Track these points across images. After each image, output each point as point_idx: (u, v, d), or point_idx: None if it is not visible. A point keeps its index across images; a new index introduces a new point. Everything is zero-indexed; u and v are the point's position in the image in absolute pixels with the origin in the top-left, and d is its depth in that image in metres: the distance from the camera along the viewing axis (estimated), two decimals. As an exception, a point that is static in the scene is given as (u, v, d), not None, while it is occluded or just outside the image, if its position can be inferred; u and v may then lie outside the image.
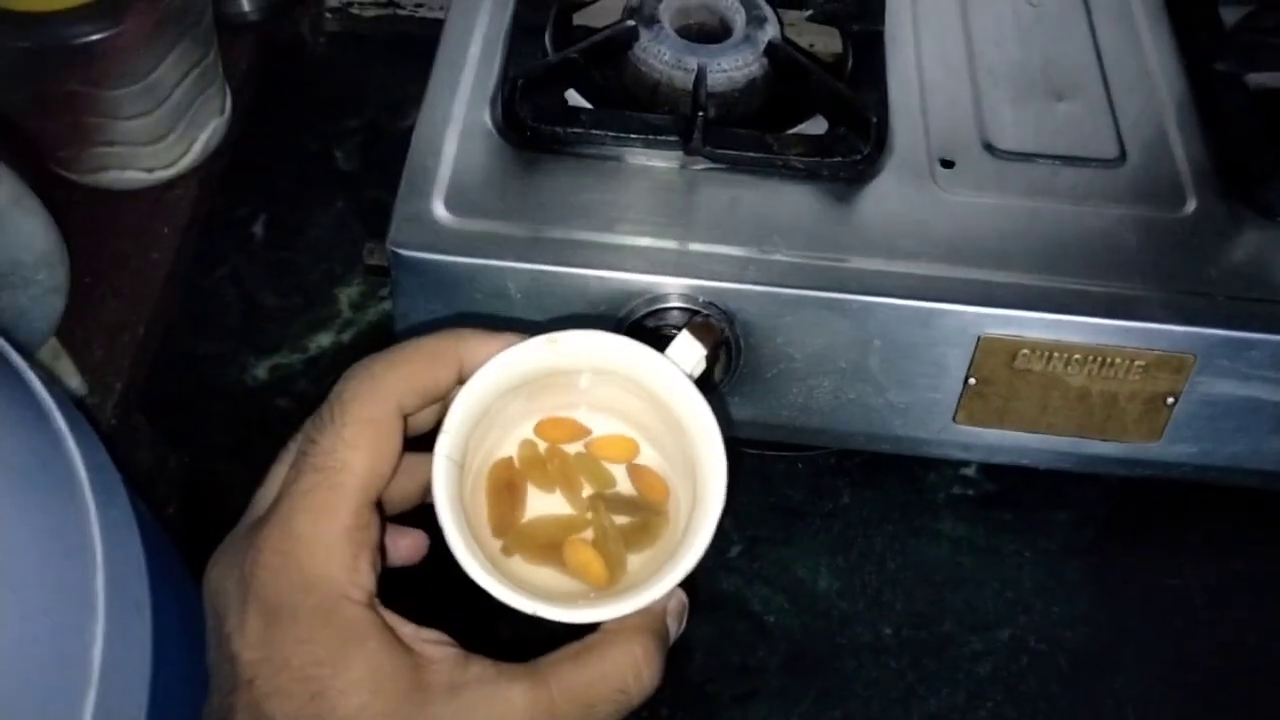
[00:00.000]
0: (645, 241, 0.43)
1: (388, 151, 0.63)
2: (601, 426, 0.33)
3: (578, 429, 0.33)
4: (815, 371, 0.44)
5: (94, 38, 0.44)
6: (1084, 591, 0.48)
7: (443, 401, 0.30)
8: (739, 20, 0.48)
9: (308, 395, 0.54)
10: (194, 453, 0.51)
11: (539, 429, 0.33)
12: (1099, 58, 0.50)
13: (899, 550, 0.49)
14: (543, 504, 0.32)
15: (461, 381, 0.30)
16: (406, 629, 0.28)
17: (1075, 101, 0.49)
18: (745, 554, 0.48)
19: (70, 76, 0.46)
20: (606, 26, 0.48)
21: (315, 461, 0.28)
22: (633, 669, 0.28)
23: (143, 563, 0.29)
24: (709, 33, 0.49)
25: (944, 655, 0.46)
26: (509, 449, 0.32)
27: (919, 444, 0.46)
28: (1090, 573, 0.48)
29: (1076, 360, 0.42)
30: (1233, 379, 0.42)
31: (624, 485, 0.32)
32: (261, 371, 0.54)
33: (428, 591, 0.30)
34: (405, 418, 0.29)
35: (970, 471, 0.51)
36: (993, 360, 0.42)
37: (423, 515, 0.31)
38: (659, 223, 0.43)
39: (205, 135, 0.53)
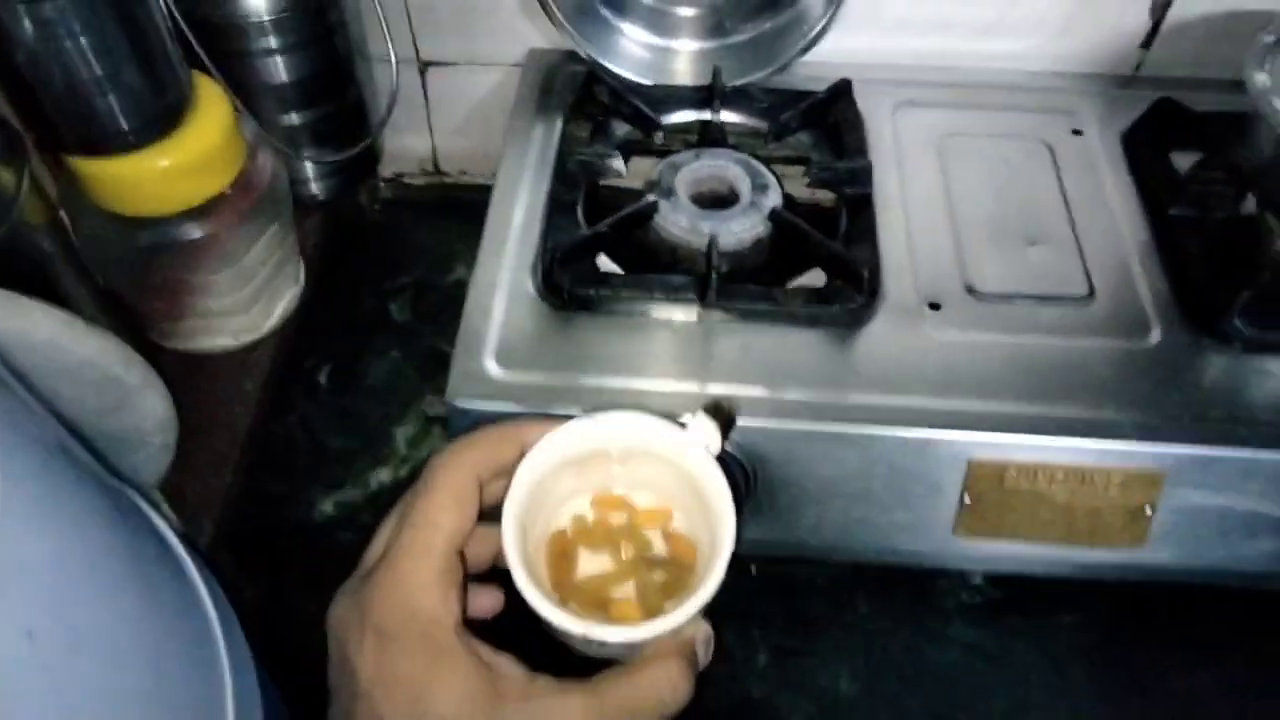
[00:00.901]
0: (669, 385, 0.49)
1: (436, 302, 0.70)
2: (642, 500, 0.40)
3: (623, 503, 0.40)
4: (825, 496, 0.49)
5: (196, 236, 0.52)
6: (1090, 691, 0.51)
7: (508, 475, 0.38)
8: (745, 188, 0.55)
9: (369, 527, 0.59)
10: (269, 584, 0.57)
11: (594, 502, 0.40)
12: (1067, 206, 0.57)
13: (914, 655, 0.53)
14: (593, 564, 0.39)
15: (523, 457, 0.38)
16: (485, 650, 0.35)
17: (1047, 246, 0.55)
18: (771, 664, 0.53)
19: (174, 266, 0.53)
20: (633, 192, 0.55)
21: (414, 519, 0.36)
22: (669, 684, 0.35)
23: (258, 691, 0.34)
24: (719, 199, 0.56)
25: (961, 755, 0.50)
26: (564, 522, 0.40)
27: (924, 556, 0.51)
28: (1095, 672, 0.52)
29: (1059, 479, 0.47)
30: (1203, 490, 0.47)
31: (659, 546, 0.40)
32: (328, 507, 0.60)
33: (499, 635, 0.38)
34: (481, 486, 0.37)
35: (978, 580, 0.55)
36: (983, 480, 0.47)
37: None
38: (681, 368, 0.49)
39: (283, 303, 0.60)
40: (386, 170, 0.76)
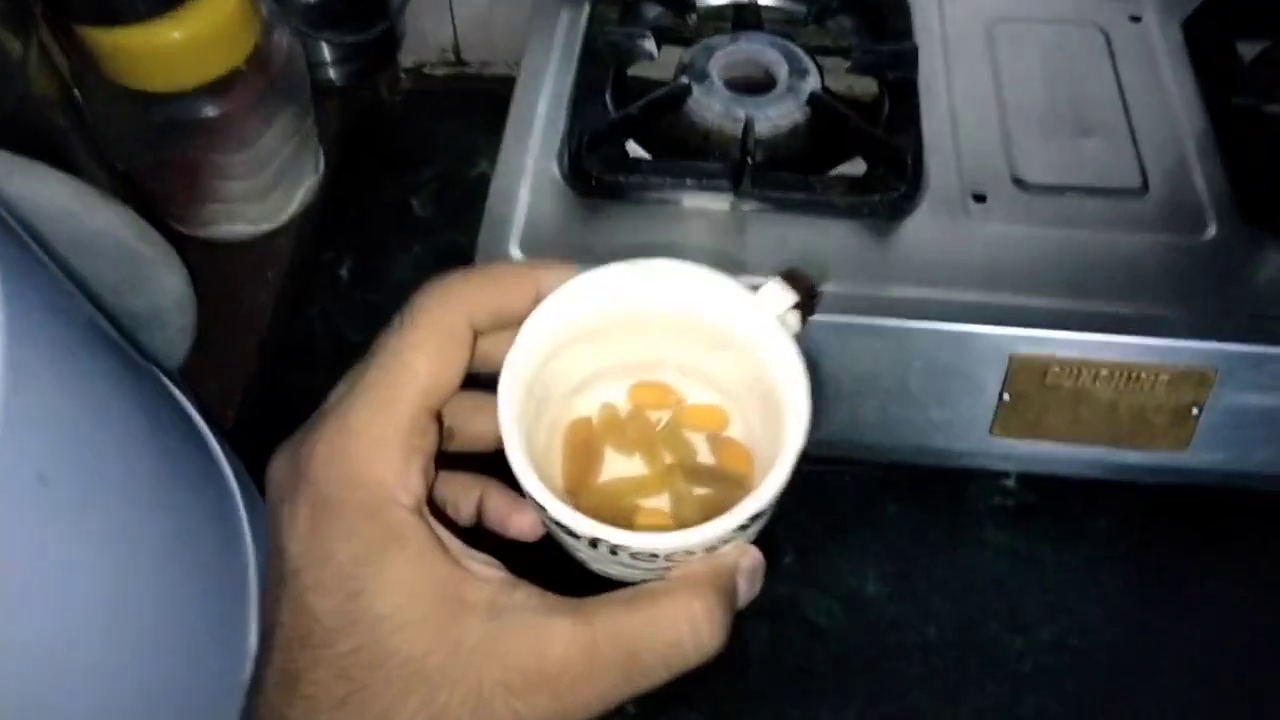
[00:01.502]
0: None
1: (460, 198, 0.68)
2: (692, 392, 0.31)
3: (669, 395, 0.32)
4: (862, 391, 0.47)
5: (211, 113, 0.50)
6: (1122, 595, 0.51)
7: (516, 327, 0.29)
8: (782, 72, 0.53)
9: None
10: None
11: (631, 392, 0.32)
12: (1122, 94, 0.54)
13: (943, 558, 0.52)
14: (620, 469, 0.31)
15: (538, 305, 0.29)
16: (453, 542, 0.27)
17: (1100, 136, 0.52)
18: (797, 563, 0.52)
19: (190, 146, 0.51)
20: (662, 84, 0.53)
21: (379, 359, 0.28)
22: (689, 622, 0.26)
23: None
24: (755, 84, 0.53)
25: (987, 655, 0.49)
26: (589, 408, 0.31)
27: (959, 456, 0.50)
28: (1128, 577, 0.51)
29: (1104, 376, 0.45)
30: (1254, 391, 0.45)
31: (705, 458, 0.31)
32: (351, 402, 0.60)
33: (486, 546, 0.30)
34: (475, 334, 0.29)
35: (1010, 483, 0.54)
36: (1025, 377, 0.46)
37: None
38: (713, 260, 0.47)
39: (302, 191, 0.59)
40: (407, 60, 0.73)
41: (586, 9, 0.58)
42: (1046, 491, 0.53)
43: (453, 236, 0.66)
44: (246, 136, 0.52)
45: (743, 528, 0.27)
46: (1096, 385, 0.46)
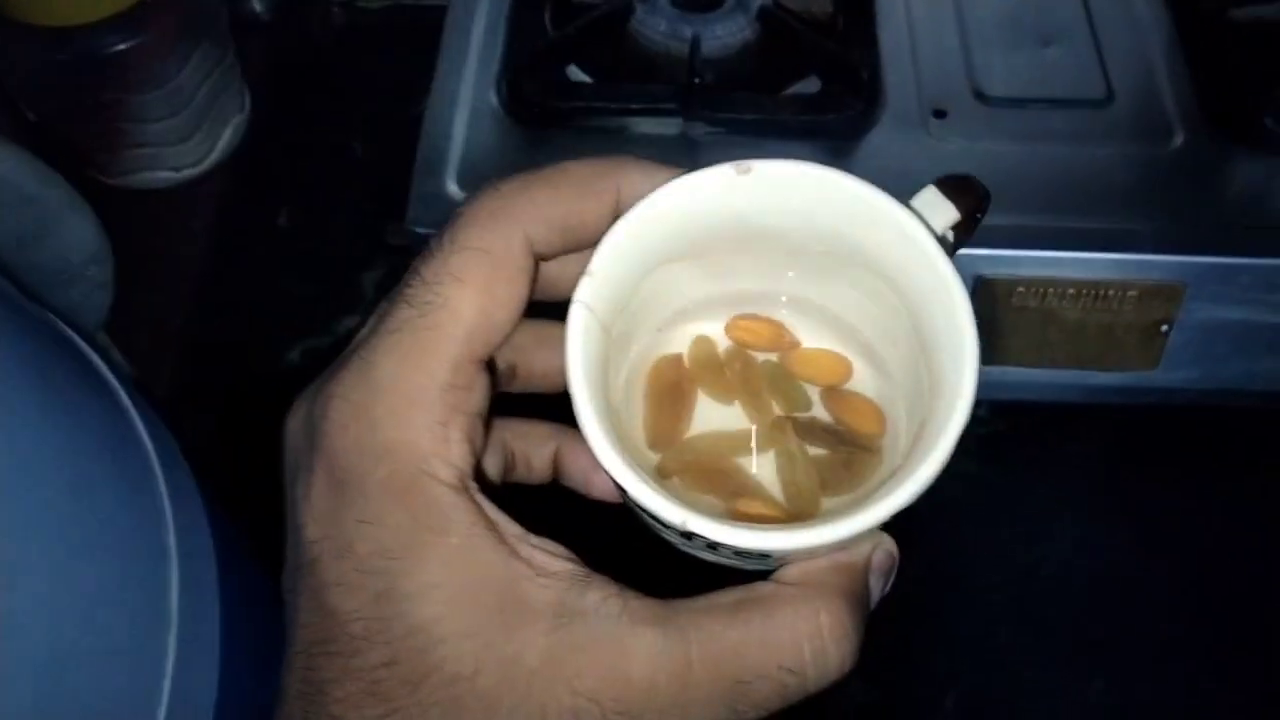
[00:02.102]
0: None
1: (401, 138, 0.65)
2: (809, 336, 0.26)
3: (780, 336, 0.26)
4: (821, 321, 0.45)
5: (120, 47, 0.47)
6: (1096, 520, 0.50)
7: (589, 247, 0.23)
8: (731, -13, 0.50)
9: (340, 376, 0.56)
10: (235, 436, 0.54)
11: (732, 326, 0.26)
12: (1085, 1, 0.52)
13: (913, 490, 0.51)
14: (716, 417, 0.25)
15: (617, 220, 0.23)
16: (513, 529, 0.21)
17: (1063, 45, 0.50)
18: (765, 501, 0.51)
19: (101, 85, 0.48)
20: (603, 2, 0.50)
21: (411, 294, 0.22)
22: (811, 639, 0.21)
23: (212, 551, 0.31)
24: (703, 1, 0.50)
25: (962, 587, 0.48)
26: (680, 344, 0.26)
27: (925, 385, 0.48)
28: (1102, 501, 0.50)
29: (1071, 295, 0.44)
30: (1224, 304, 0.44)
31: (821, 413, 0.25)
32: (295, 355, 0.57)
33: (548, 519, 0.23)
34: (538, 259, 0.23)
35: (981, 411, 0.53)
36: (991, 300, 0.44)
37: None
38: (663, 187, 0.45)
39: (227, 133, 0.56)
40: (339, -7, 0.69)
41: (522, -72, 0.55)
42: (1017, 419, 0.52)
43: (395, 178, 0.63)
44: (161, 73, 0.49)
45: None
46: (1064, 305, 0.44)
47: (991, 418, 0.53)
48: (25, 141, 0.51)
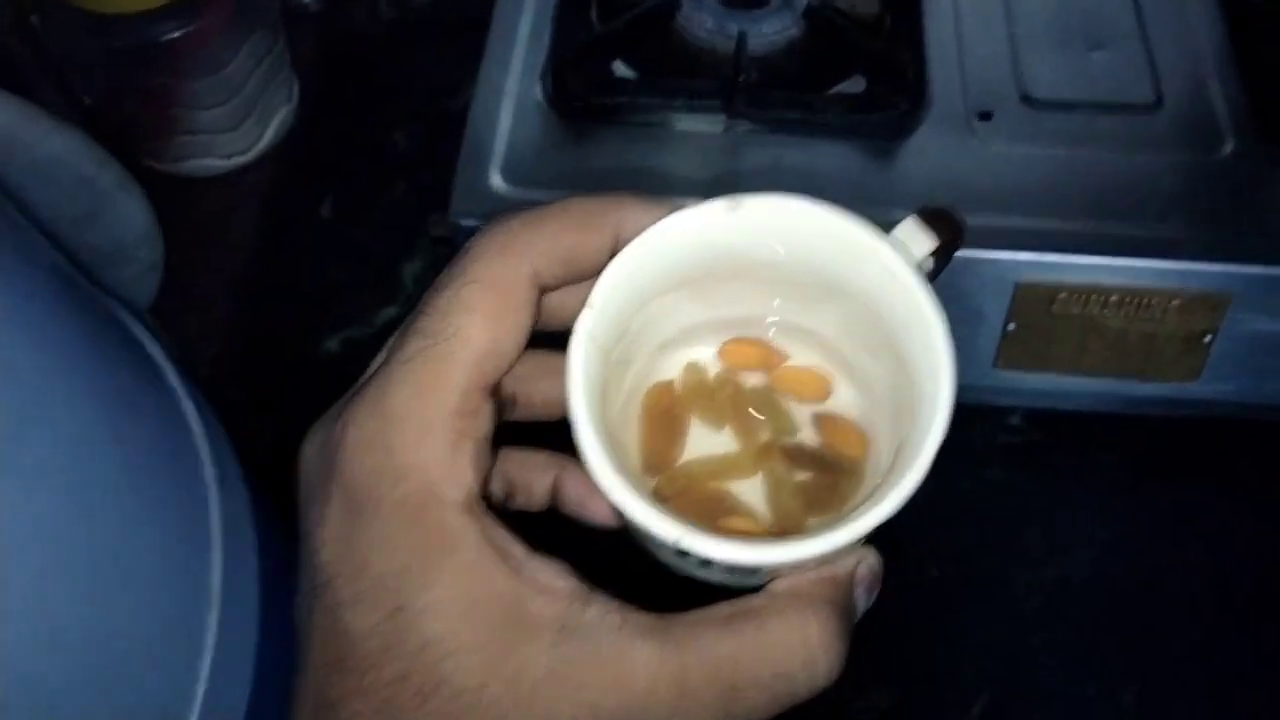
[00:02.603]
0: (693, 202, 0.45)
1: (445, 130, 0.66)
2: (796, 358, 0.27)
3: (769, 355, 0.27)
4: (859, 321, 0.45)
5: (175, 35, 0.48)
6: (1130, 530, 0.49)
7: (590, 279, 0.24)
8: (778, -14, 0.50)
9: (378, 366, 0.57)
10: (275, 420, 0.55)
11: (724, 351, 0.27)
12: (1135, 3, 0.51)
13: (946, 497, 0.50)
14: (708, 442, 0.27)
15: (616, 253, 0.24)
16: (515, 547, 0.23)
17: (1111, 49, 0.49)
18: (797, 500, 0.51)
19: (154, 71, 0.49)
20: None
21: (423, 325, 0.23)
22: (801, 649, 0.22)
23: (254, 534, 0.31)
24: (749, -1, 0.50)
25: (993, 592, 0.48)
26: (673, 370, 0.27)
27: (962, 390, 0.47)
28: (1136, 512, 0.49)
29: (1114, 302, 0.43)
30: (1270, 315, 0.43)
31: (808, 433, 0.27)
32: (334, 344, 0.58)
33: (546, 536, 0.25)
34: (541, 290, 0.24)
35: (1016, 420, 0.52)
36: (1031, 305, 0.44)
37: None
38: (706, 183, 0.45)
39: (276, 122, 0.57)
40: (387, -14, 0.70)
41: (571, -76, 0.55)
42: (1053, 428, 0.52)
43: (439, 171, 0.64)
44: (213, 61, 0.50)
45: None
46: (1105, 313, 0.43)
47: (1027, 426, 0.52)
48: (80, 125, 0.52)
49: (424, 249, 0.60)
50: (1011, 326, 0.45)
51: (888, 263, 0.24)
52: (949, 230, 0.25)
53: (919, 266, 0.24)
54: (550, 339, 0.25)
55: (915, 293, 0.24)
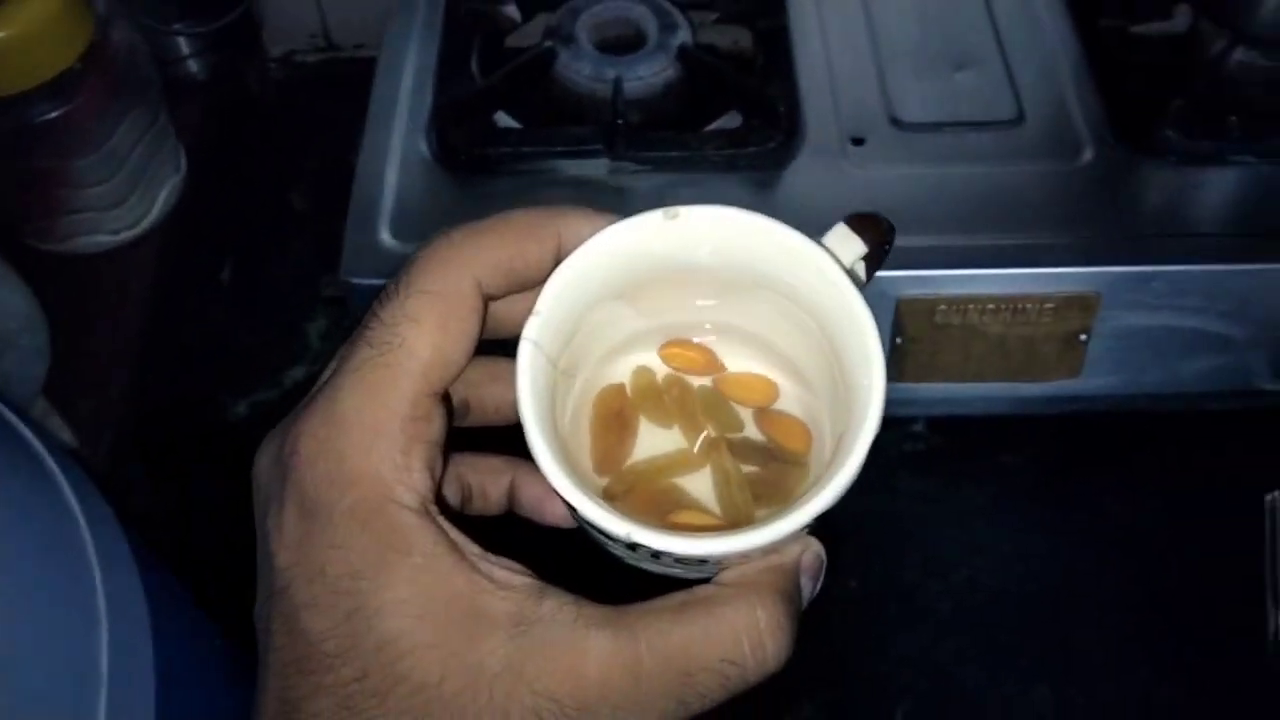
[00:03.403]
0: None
1: (340, 188, 0.66)
2: (737, 359, 0.28)
3: (709, 361, 0.28)
4: (753, 348, 0.46)
5: (52, 115, 0.47)
6: (1033, 530, 0.51)
7: (535, 287, 0.25)
8: (652, 29, 0.51)
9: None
10: (187, 491, 0.54)
11: (665, 351, 0.28)
12: (994, 25, 0.53)
13: (858, 507, 0.51)
14: (656, 442, 0.27)
15: (560, 262, 0.25)
16: (469, 547, 0.23)
17: (974, 70, 0.52)
18: (712, 527, 0.51)
19: (34, 153, 0.49)
20: (527, 48, 0.51)
21: (370, 335, 0.24)
22: (750, 634, 0.23)
23: (139, 587, 0.31)
24: (626, 42, 0.52)
25: (908, 601, 0.49)
26: (621, 374, 0.28)
27: (860, 405, 0.49)
28: (1038, 509, 0.51)
29: (991, 310, 0.45)
30: (1140, 310, 0.45)
31: (753, 432, 0.28)
32: (242, 409, 0.57)
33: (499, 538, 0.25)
34: (487, 300, 0.25)
35: (919, 428, 0.54)
36: (914, 319, 0.45)
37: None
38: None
39: (164, 194, 0.56)
40: (276, 49, 0.70)
41: (449, -21, 0.56)
42: (954, 432, 0.53)
43: (336, 228, 0.64)
44: (93, 139, 0.49)
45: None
46: (985, 320, 0.45)
47: (929, 433, 0.54)
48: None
49: (327, 307, 0.60)
50: (898, 340, 0.46)
51: (822, 267, 0.25)
52: (877, 234, 0.27)
53: (850, 270, 0.25)
54: (500, 346, 0.26)
55: (846, 295, 0.25)
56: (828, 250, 0.25)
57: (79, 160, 0.50)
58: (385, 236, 0.46)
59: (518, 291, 0.25)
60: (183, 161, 0.58)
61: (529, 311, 0.25)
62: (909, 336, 0.46)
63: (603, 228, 0.25)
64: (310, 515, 0.23)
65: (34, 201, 0.52)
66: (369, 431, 0.23)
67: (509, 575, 0.23)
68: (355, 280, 0.45)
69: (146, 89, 0.52)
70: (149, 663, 0.30)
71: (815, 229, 0.46)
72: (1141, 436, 0.52)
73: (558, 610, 0.22)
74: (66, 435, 0.47)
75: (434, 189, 0.48)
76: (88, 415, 0.50)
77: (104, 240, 0.54)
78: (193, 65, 0.62)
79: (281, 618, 0.22)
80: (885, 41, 0.53)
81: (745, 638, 0.23)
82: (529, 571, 0.23)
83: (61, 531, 0.29)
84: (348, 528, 0.22)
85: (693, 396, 0.28)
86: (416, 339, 0.23)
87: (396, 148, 0.49)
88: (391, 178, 0.48)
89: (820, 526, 0.24)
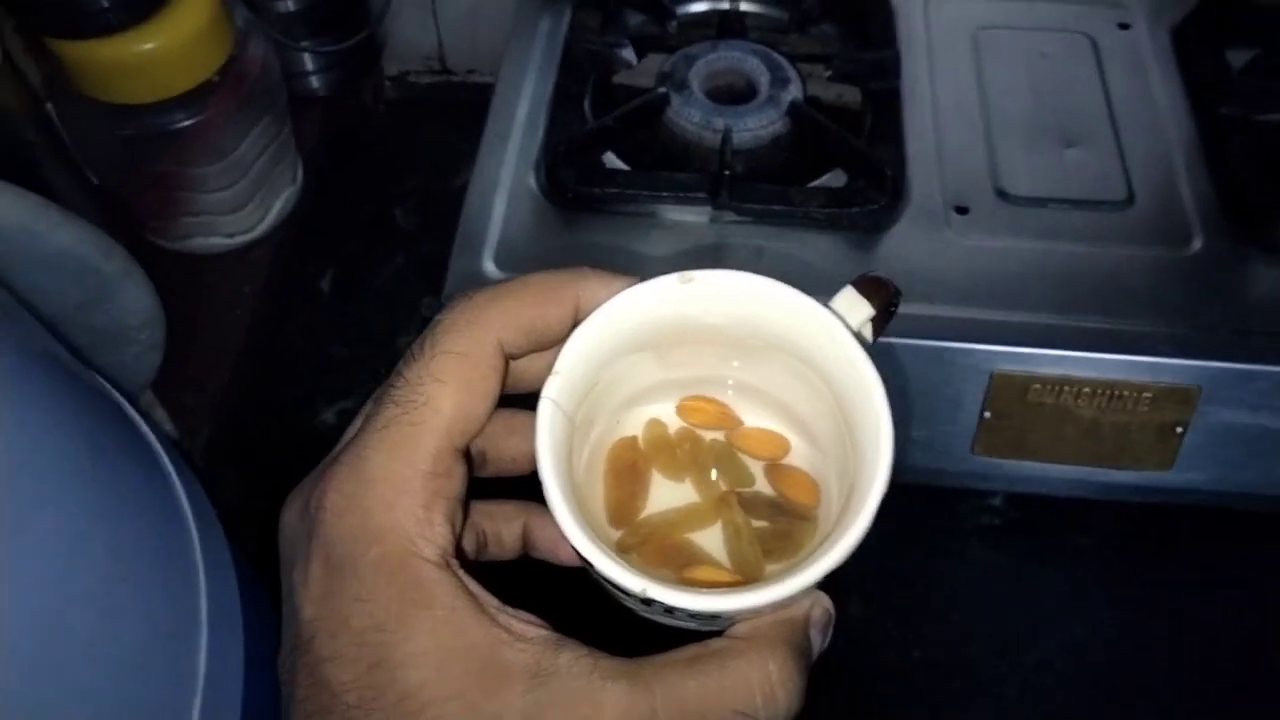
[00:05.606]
0: (648, 276, 0.46)
1: (443, 209, 0.68)
2: (750, 415, 0.29)
3: (725, 415, 0.29)
4: (839, 408, 0.47)
5: (184, 124, 0.50)
6: (1107, 615, 0.50)
7: (553, 348, 0.26)
8: (764, 81, 0.52)
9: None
10: (271, 494, 0.56)
11: (682, 408, 0.29)
12: (1109, 103, 0.53)
13: (928, 578, 0.51)
14: (669, 495, 0.28)
15: (578, 324, 0.26)
16: (488, 600, 0.24)
17: (1085, 146, 0.51)
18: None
19: (164, 158, 0.51)
20: (641, 92, 0.52)
21: (396, 395, 0.25)
22: (762, 686, 0.23)
23: (240, 617, 0.32)
24: (737, 93, 0.52)
25: (972, 677, 0.48)
26: (635, 428, 0.29)
27: (941, 475, 0.49)
28: (1113, 596, 0.50)
29: (1086, 393, 0.44)
30: (1239, 409, 0.44)
31: (764, 486, 0.29)
32: (330, 416, 0.59)
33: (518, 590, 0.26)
34: (508, 359, 0.26)
35: (996, 501, 0.53)
36: (1006, 395, 0.45)
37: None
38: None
39: (280, 202, 0.58)
40: (392, 68, 0.73)
41: (568, 16, 0.57)
42: (1033, 510, 0.53)
43: (435, 248, 0.66)
44: (220, 148, 0.52)
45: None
46: (1079, 403, 0.45)
47: (1007, 508, 0.53)
48: (88, 202, 0.54)
49: (421, 323, 0.62)
50: (988, 414, 0.46)
51: (831, 331, 0.26)
52: (884, 297, 0.27)
53: (858, 333, 0.26)
54: (519, 399, 0.27)
55: (855, 357, 0.25)
56: (836, 314, 0.26)
57: (205, 167, 0.52)
58: (489, 265, 0.47)
59: (538, 350, 0.26)
60: (299, 173, 0.60)
61: (548, 369, 0.26)
62: (999, 412, 0.46)
63: (620, 291, 0.26)
64: (336, 569, 0.23)
65: (157, 202, 0.54)
66: (394, 488, 0.24)
67: (526, 627, 0.24)
68: (456, 306, 0.46)
69: (275, 102, 0.55)
70: (239, 668, 0.31)
71: (913, 296, 0.46)
72: (1225, 534, 0.50)
73: (574, 662, 0.23)
74: (169, 427, 0.49)
75: (539, 222, 0.49)
76: (190, 409, 0.52)
77: (219, 243, 0.57)
78: (314, 81, 0.65)
79: (306, 669, 0.23)
80: (996, 111, 0.53)
81: (758, 689, 0.23)
82: (546, 624, 0.24)
83: (171, 530, 0.31)
84: (373, 581, 0.23)
85: (704, 450, 0.29)
86: (441, 398, 0.24)
87: (506, 180, 0.50)
88: (499, 208, 0.49)
89: (830, 582, 0.25)
